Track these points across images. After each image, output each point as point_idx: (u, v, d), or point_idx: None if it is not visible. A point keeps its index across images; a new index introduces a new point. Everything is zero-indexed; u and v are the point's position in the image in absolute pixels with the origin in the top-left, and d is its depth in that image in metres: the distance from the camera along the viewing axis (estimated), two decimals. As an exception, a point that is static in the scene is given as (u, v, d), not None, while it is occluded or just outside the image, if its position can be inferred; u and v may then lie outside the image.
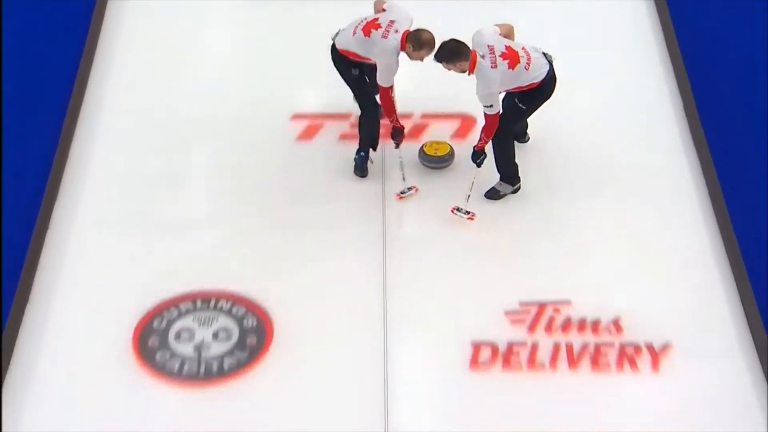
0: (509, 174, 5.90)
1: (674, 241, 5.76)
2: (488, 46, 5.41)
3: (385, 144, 6.07)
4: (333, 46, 5.80)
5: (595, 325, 5.27)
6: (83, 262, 5.59)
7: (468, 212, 5.77)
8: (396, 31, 5.55)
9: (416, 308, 5.38)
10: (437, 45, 5.50)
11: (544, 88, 5.58)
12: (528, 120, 6.00)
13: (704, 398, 5.02)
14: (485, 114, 5.55)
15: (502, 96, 5.60)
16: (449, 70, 5.48)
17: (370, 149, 6.04)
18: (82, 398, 4.97)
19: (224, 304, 5.34)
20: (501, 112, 5.58)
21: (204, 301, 5.35)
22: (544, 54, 5.60)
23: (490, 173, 5.87)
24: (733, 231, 5.70)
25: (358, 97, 6.01)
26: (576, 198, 5.95)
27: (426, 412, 5.03)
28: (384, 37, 5.56)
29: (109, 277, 5.51)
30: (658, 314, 5.33)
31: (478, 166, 5.77)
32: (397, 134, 5.90)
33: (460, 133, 6.30)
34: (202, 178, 6.18)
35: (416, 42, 5.51)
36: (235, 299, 5.36)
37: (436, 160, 6.09)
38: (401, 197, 5.91)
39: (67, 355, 5.15)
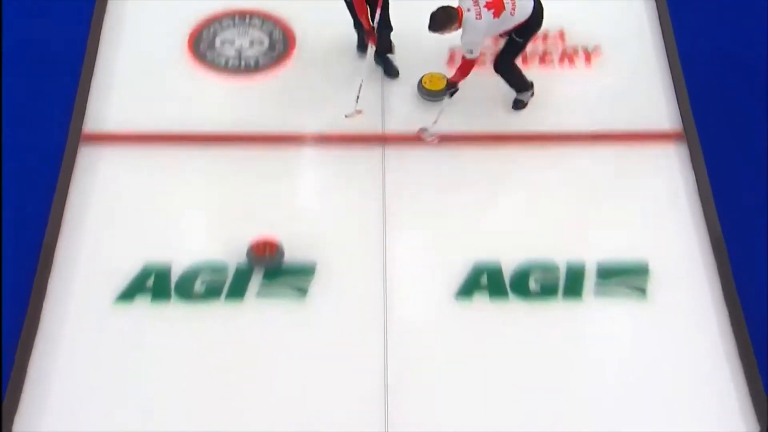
0: (523, 85, 6.30)
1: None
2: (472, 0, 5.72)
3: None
4: None
5: (544, 37, 6.66)
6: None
7: (432, 135, 6.20)
8: None
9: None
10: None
11: (533, 22, 5.90)
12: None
13: (622, 93, 6.47)
14: (464, 57, 5.86)
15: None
16: (444, 34, 5.78)
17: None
18: (151, 89, 6.48)
19: (257, 21, 6.81)
20: (499, 53, 6.12)
21: (241, 18, 6.83)
22: None
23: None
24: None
25: (354, 19, 6.24)
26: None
27: (414, 116, 6.36)
28: None
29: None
30: (593, 24, 6.74)
31: (449, 96, 6.11)
32: (368, 36, 6.17)
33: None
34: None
35: None
36: (265, 16, 6.83)
37: (434, 94, 6.32)
38: (347, 117, 6.27)
39: (139, 58, 6.67)
